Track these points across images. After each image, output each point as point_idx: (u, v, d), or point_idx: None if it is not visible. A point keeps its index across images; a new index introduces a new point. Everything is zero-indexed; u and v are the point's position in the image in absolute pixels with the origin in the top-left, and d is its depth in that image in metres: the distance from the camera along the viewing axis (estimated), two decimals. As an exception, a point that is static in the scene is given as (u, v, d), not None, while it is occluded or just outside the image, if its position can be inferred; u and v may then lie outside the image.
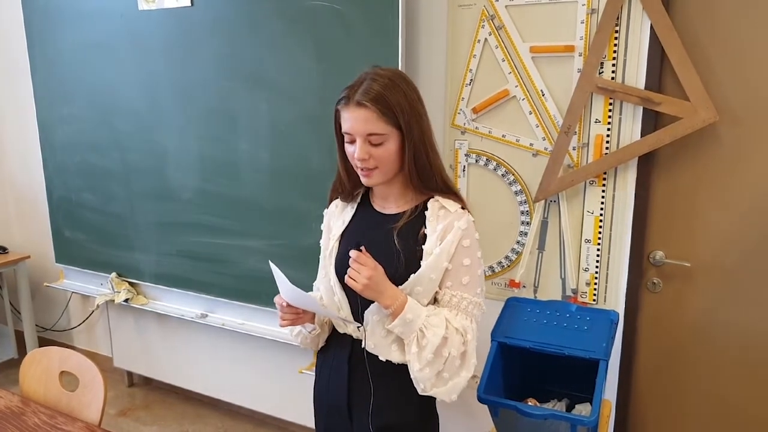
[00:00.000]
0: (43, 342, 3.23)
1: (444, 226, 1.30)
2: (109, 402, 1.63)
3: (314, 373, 1.51)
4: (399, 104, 1.23)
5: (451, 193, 1.35)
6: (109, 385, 1.69)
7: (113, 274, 2.84)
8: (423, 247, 1.30)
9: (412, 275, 1.28)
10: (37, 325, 3.36)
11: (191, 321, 2.70)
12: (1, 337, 3.48)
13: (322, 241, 1.48)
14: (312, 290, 1.52)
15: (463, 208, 1.34)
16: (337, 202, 1.46)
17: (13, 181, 3.39)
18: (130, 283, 2.84)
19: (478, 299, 1.32)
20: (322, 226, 1.49)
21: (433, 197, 1.34)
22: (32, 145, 3.05)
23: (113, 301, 2.83)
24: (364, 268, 1.23)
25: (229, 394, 2.83)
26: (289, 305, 1.33)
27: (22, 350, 3.35)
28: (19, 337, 3.36)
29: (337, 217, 1.44)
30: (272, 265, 1.31)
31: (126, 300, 2.80)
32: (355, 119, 1.24)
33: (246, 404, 2.80)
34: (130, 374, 3.18)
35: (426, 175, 1.30)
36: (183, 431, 2.80)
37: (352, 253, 1.25)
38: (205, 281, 2.58)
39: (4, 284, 3.40)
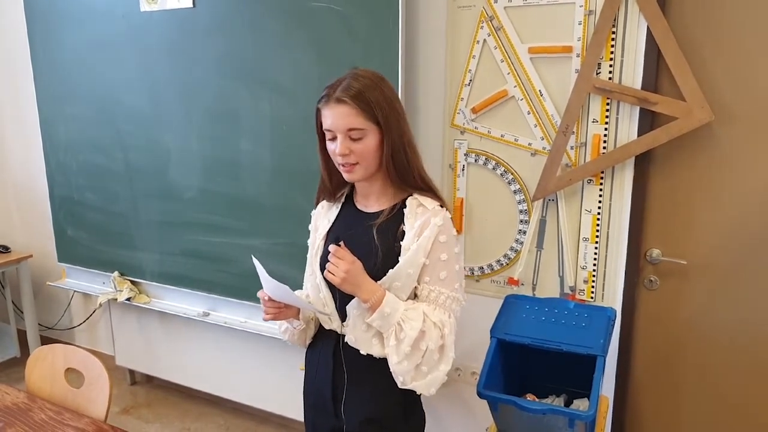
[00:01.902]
0: (45, 341, 3.25)
1: (421, 222, 1.33)
2: (112, 400, 1.66)
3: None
4: (377, 101, 1.28)
5: (430, 191, 1.39)
6: (111, 383, 1.71)
7: (115, 273, 2.86)
8: (401, 243, 1.34)
9: (390, 270, 1.32)
10: (39, 324, 3.38)
11: (193, 319, 2.72)
12: (4, 336, 3.50)
13: (309, 241, 1.52)
14: (300, 288, 1.55)
15: (441, 206, 1.37)
16: (323, 204, 1.51)
17: (15, 180, 3.41)
18: (133, 282, 2.86)
19: (456, 294, 1.35)
20: (310, 227, 1.53)
21: (411, 195, 1.38)
22: (34, 144, 3.07)
23: (116, 299, 2.85)
24: (342, 262, 1.27)
25: (231, 392, 2.85)
26: (271, 299, 1.36)
27: (24, 349, 3.37)
28: (22, 336, 3.38)
29: (323, 217, 1.49)
30: (255, 260, 1.34)
31: (128, 299, 2.82)
32: (335, 115, 1.29)
33: (248, 402, 2.83)
34: (132, 372, 3.20)
35: (404, 171, 1.34)
36: (185, 429, 2.82)
37: (331, 247, 1.30)
38: (207, 280, 2.61)
39: (7, 283, 3.42)
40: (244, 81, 2.32)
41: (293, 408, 2.67)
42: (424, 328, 1.28)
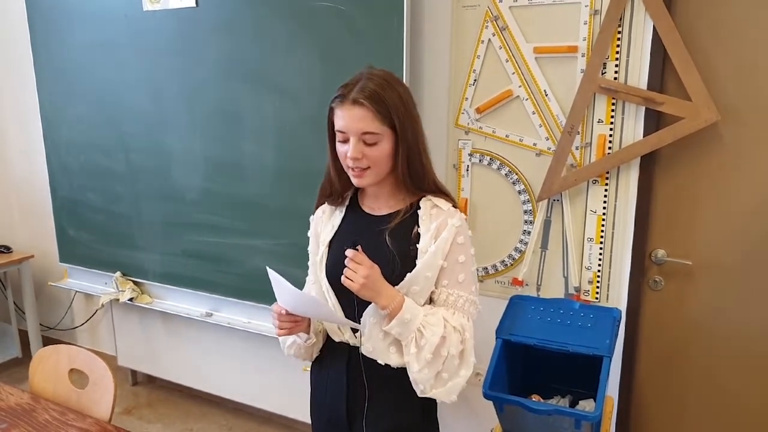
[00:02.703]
0: (46, 341, 3.24)
1: (438, 224, 1.29)
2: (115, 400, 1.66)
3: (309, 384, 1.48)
4: (394, 104, 1.23)
5: (442, 193, 1.34)
6: (113, 383, 1.70)
7: (117, 273, 2.85)
8: (417, 246, 1.29)
9: (408, 274, 1.27)
10: (41, 325, 3.38)
11: (196, 320, 2.71)
12: (5, 337, 3.49)
13: (310, 248, 1.45)
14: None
15: (454, 206, 1.33)
16: (324, 208, 1.44)
17: (17, 180, 3.41)
18: (135, 282, 2.86)
19: (473, 297, 1.32)
20: (309, 233, 1.46)
21: (424, 196, 1.33)
22: (36, 144, 3.06)
23: (117, 300, 2.85)
24: (361, 267, 1.21)
25: (234, 393, 2.85)
26: (287, 313, 1.29)
27: (26, 350, 3.36)
28: (23, 336, 3.37)
29: (326, 222, 1.42)
30: (270, 271, 1.27)
31: (130, 299, 2.82)
32: (350, 117, 1.23)
33: (251, 402, 2.82)
34: (134, 373, 3.20)
35: (418, 177, 1.30)
36: (187, 429, 2.82)
37: (349, 252, 1.23)
38: (209, 280, 2.60)
39: (8, 283, 3.41)
40: (247, 80, 2.32)
41: (296, 408, 2.67)
42: (445, 333, 1.23)
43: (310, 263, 1.45)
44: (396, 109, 1.23)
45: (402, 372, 1.28)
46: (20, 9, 2.89)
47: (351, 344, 1.35)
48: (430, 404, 1.38)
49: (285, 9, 2.17)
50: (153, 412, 2.96)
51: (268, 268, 1.28)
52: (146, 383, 3.22)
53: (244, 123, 2.37)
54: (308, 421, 2.74)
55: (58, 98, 2.85)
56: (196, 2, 2.35)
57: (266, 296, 2.45)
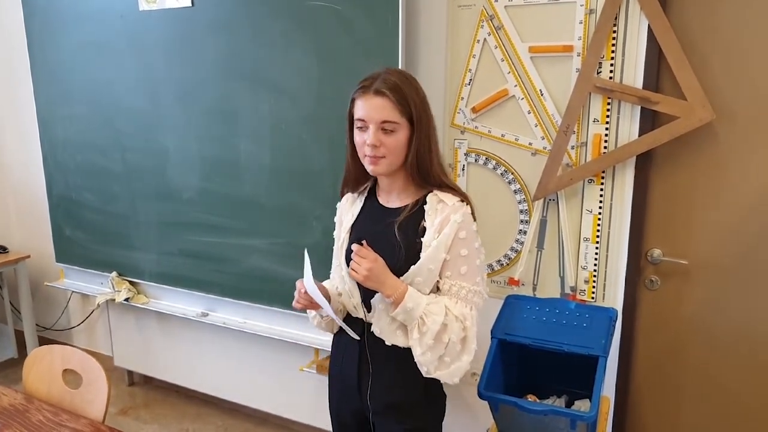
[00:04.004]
0: (43, 341, 3.23)
1: (441, 219, 1.38)
2: (110, 401, 1.66)
3: (326, 358, 1.59)
4: (412, 98, 1.34)
5: (449, 188, 1.43)
6: (109, 383, 1.70)
7: (114, 274, 2.85)
8: (422, 239, 1.38)
9: (412, 267, 1.36)
10: (37, 325, 3.37)
11: (192, 320, 2.71)
12: (1, 337, 3.48)
13: (335, 233, 1.58)
14: (328, 278, 1.61)
15: (462, 200, 1.41)
16: (348, 196, 1.55)
17: (13, 180, 3.40)
18: (131, 282, 2.85)
19: (477, 287, 1.40)
20: (335, 219, 1.59)
21: (432, 191, 1.42)
22: (33, 144, 3.06)
23: (114, 300, 2.84)
24: (365, 261, 1.32)
25: (230, 393, 2.84)
26: (306, 293, 1.40)
27: (22, 350, 3.36)
28: (19, 336, 3.36)
29: (348, 210, 1.54)
30: (306, 255, 1.38)
31: (126, 299, 2.81)
32: (371, 107, 1.33)
33: (247, 403, 2.81)
34: (130, 373, 3.19)
35: (426, 170, 1.39)
36: (183, 430, 2.81)
37: (354, 246, 1.35)
38: (205, 280, 2.59)
39: (5, 284, 3.40)
40: (243, 80, 2.31)
41: (292, 408, 2.66)
42: (446, 321, 1.33)
43: (334, 247, 1.57)
44: (414, 102, 1.34)
45: (407, 351, 1.39)
46: (17, 9, 2.88)
47: (366, 321, 1.47)
48: (435, 383, 1.46)
49: (281, 8, 2.17)
50: (149, 412, 2.96)
51: (306, 250, 1.39)
52: (142, 384, 3.21)
53: (240, 122, 2.36)
54: (304, 421, 2.76)
55: (54, 98, 2.85)
56: (192, 2, 2.35)
57: (262, 296, 2.46)
